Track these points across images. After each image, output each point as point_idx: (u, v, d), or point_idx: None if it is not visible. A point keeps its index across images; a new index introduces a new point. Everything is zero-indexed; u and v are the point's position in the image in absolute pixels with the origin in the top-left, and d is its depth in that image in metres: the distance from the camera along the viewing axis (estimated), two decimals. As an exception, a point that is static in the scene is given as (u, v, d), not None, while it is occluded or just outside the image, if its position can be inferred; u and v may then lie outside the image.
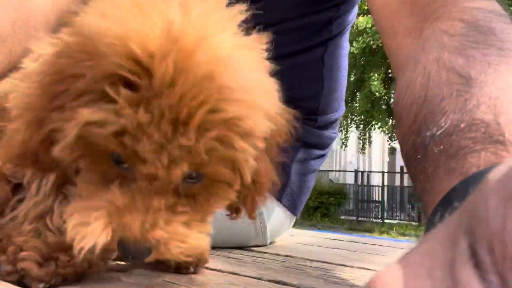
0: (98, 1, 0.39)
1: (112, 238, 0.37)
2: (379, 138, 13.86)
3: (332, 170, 14.39)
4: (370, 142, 10.75)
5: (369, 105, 9.35)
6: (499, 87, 0.35)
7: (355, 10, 0.92)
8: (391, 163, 15.75)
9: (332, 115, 0.93)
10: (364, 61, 9.20)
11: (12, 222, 0.48)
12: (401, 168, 13.43)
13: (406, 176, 12.71)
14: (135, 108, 0.34)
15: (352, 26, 1.10)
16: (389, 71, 8.96)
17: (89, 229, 0.37)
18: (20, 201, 0.48)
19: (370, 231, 7.95)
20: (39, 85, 0.40)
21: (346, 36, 0.94)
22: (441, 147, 0.35)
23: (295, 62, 0.86)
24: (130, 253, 0.38)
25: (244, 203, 0.47)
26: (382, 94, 8.82)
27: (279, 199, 0.86)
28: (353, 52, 8.70)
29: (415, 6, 0.50)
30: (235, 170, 0.39)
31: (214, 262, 0.63)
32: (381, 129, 10.01)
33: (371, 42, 8.74)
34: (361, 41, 8.79)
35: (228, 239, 0.81)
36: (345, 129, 10.46)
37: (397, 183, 12.82)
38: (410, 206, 10.52)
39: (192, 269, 0.55)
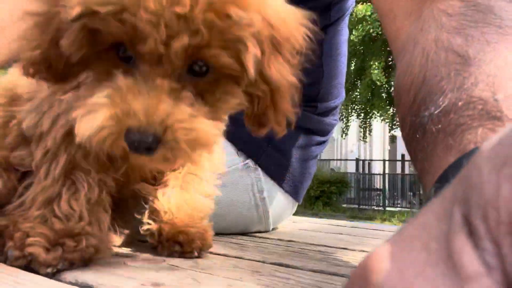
0: None
1: (117, 128, 0.38)
2: (380, 126, 13.84)
3: (334, 159, 14.40)
4: (370, 131, 10.75)
5: (369, 94, 9.32)
6: (498, 64, 0.35)
7: (354, -5, 0.91)
8: (392, 151, 15.74)
9: (332, 102, 0.93)
10: (364, 49, 9.16)
11: (19, 208, 0.48)
12: (402, 156, 13.44)
13: (407, 164, 12.73)
14: None
15: (351, 14, 1.10)
16: (389, 59, 8.93)
17: (93, 116, 0.38)
18: (27, 187, 0.49)
19: (371, 219, 7.98)
20: None
21: (345, 22, 0.94)
22: (439, 125, 0.36)
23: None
24: (137, 141, 0.38)
25: (264, 114, 0.46)
26: (383, 82, 8.79)
27: (280, 184, 0.86)
28: (352, 40, 8.66)
29: None
30: (239, 61, 0.39)
31: (217, 247, 0.64)
32: (382, 117, 10.00)
33: (371, 30, 8.68)
34: (361, 29, 8.73)
35: (230, 224, 0.82)
36: (346, 118, 10.45)
37: (398, 171, 12.84)
38: (411, 193, 10.54)
39: (196, 254, 0.56)
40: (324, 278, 0.49)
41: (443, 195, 0.19)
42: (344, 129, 10.60)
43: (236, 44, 0.39)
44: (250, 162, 0.83)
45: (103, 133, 0.38)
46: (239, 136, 0.83)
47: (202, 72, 0.41)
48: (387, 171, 11.32)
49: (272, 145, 0.85)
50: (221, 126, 0.43)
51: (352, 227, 1.06)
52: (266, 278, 0.47)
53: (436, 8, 0.44)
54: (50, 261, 0.44)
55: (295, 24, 0.44)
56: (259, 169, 0.83)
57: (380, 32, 8.43)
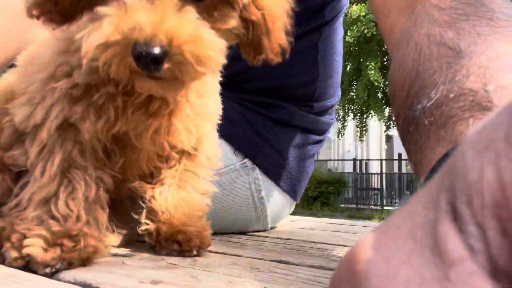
0: None
1: (124, 44, 0.38)
2: (376, 126, 13.87)
3: (331, 160, 14.42)
4: (366, 131, 10.77)
5: (366, 94, 9.35)
6: (489, 56, 0.36)
7: (347, -6, 0.92)
8: (389, 151, 15.78)
9: (328, 101, 0.94)
10: (360, 50, 9.18)
11: (15, 208, 0.48)
12: (399, 155, 13.46)
13: (404, 163, 12.75)
14: None
15: (346, 15, 1.11)
16: (385, 59, 8.95)
17: (99, 30, 0.38)
18: (23, 187, 0.49)
19: (370, 218, 7.98)
20: None
21: (340, 21, 0.95)
22: (432, 118, 0.36)
23: (289, 49, 0.86)
24: (145, 52, 0.37)
25: (258, 42, 0.47)
26: (381, 83, 8.81)
27: (278, 183, 0.86)
28: (348, 41, 8.68)
29: None
30: None
31: (216, 245, 0.64)
32: (378, 117, 10.01)
33: (366, 31, 8.70)
34: (356, 29, 8.75)
35: (229, 224, 0.82)
36: (342, 118, 10.47)
37: (396, 170, 12.85)
38: (408, 192, 10.56)
39: (195, 252, 0.56)
40: (322, 273, 0.49)
41: (430, 184, 0.19)
42: (341, 129, 10.62)
43: None
44: (247, 161, 0.83)
45: (110, 52, 0.38)
46: (236, 136, 0.83)
47: None
48: (384, 170, 11.32)
49: (269, 144, 0.85)
50: (224, 47, 0.44)
51: (350, 225, 1.06)
52: (265, 275, 0.47)
53: (429, 2, 0.44)
54: (48, 261, 0.44)
55: None
56: (257, 168, 0.84)
57: (375, 33, 8.45)
